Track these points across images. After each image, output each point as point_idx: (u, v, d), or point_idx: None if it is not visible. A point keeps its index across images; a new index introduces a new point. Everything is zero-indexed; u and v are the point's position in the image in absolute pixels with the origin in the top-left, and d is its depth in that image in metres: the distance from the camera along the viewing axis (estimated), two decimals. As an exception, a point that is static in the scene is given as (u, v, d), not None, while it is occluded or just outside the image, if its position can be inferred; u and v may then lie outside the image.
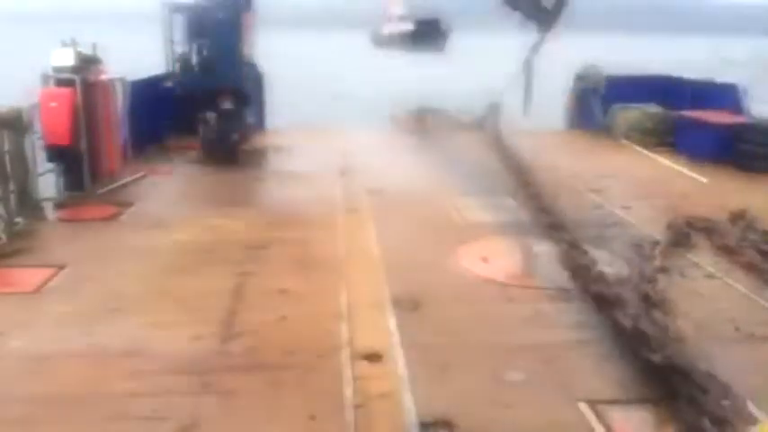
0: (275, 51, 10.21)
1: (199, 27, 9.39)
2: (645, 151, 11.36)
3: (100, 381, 3.95)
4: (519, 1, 10.26)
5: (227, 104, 9.74)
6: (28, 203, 6.95)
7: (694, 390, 3.65)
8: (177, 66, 9.62)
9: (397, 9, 11.76)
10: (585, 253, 5.89)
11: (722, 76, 13.02)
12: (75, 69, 7.79)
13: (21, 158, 6.88)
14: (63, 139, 7.55)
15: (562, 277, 5.63)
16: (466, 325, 4.77)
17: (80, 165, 7.94)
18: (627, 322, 4.45)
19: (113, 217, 7.28)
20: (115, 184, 8.45)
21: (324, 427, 3.53)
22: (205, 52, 9.47)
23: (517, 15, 10.38)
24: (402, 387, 3.87)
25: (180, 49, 9.69)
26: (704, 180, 9.33)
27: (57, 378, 3.98)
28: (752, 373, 4.13)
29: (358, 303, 5.04)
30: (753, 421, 3.49)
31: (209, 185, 8.99)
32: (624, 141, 11.86)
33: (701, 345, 4.46)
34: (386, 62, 15.20)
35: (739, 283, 5.58)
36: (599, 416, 3.64)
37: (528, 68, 10.87)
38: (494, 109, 12.95)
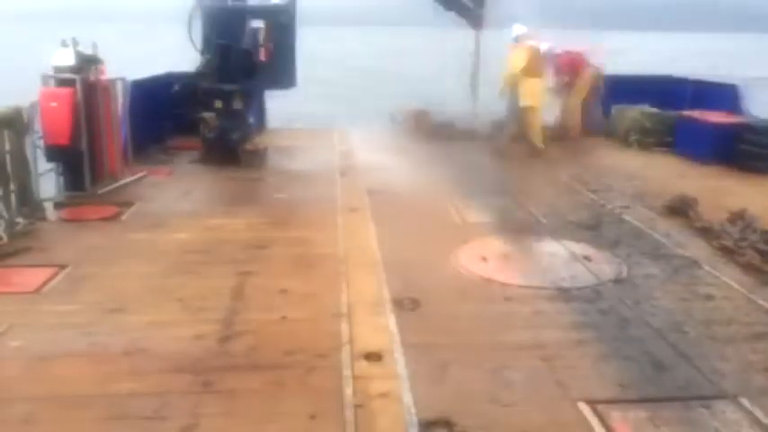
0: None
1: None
2: (644, 151, 11.37)
3: (100, 381, 3.96)
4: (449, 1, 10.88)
5: (237, 104, 9.82)
6: (28, 203, 6.96)
7: None
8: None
9: None
10: None
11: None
12: (75, 69, 7.80)
13: (21, 158, 6.89)
14: (63, 138, 7.55)
15: (562, 277, 5.65)
16: (466, 325, 4.78)
17: (80, 165, 7.94)
18: None
19: (114, 217, 7.29)
20: (116, 184, 8.46)
21: (324, 426, 3.54)
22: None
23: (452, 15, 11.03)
24: (402, 387, 3.88)
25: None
26: (703, 180, 9.34)
27: (57, 378, 3.99)
28: (752, 373, 4.14)
29: (358, 303, 5.05)
30: None
31: (209, 185, 9.01)
32: (632, 143, 11.82)
33: (701, 345, 4.49)
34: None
35: (739, 283, 5.59)
36: (599, 416, 3.64)
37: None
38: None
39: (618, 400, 3.82)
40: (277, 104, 12.95)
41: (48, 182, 7.81)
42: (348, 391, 3.82)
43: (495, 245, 6.50)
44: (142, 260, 5.96)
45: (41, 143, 7.51)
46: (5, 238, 6.30)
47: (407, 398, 3.76)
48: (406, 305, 5.02)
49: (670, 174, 9.89)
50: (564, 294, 5.31)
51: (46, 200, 7.47)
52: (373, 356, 4.22)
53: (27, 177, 7.00)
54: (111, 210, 7.49)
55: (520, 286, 5.46)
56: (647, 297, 5.29)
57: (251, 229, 6.85)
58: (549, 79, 11.94)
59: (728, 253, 6.21)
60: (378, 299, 5.13)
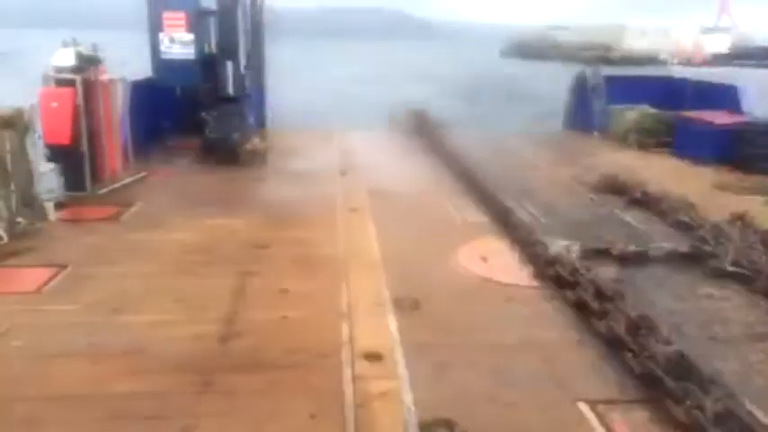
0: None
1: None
2: (643, 151, 11.37)
3: (101, 380, 3.97)
4: None
5: (237, 106, 9.94)
6: (29, 203, 6.96)
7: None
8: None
9: None
10: None
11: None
12: (75, 69, 7.80)
13: (22, 158, 6.89)
14: (64, 138, 7.56)
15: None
16: (466, 325, 4.78)
17: (81, 165, 7.95)
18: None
19: (114, 217, 7.29)
20: (116, 184, 8.46)
21: (324, 426, 3.55)
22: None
23: None
24: (402, 387, 3.89)
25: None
26: (703, 180, 9.34)
27: (58, 378, 4.00)
28: (752, 373, 4.14)
29: (358, 303, 5.05)
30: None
31: (209, 185, 9.00)
32: (631, 144, 11.81)
33: (701, 345, 4.49)
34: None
35: (739, 284, 5.59)
36: (599, 416, 3.65)
37: None
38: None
39: (617, 400, 3.83)
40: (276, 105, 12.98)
41: (48, 182, 7.81)
42: (348, 390, 3.83)
43: (495, 245, 6.50)
44: (142, 260, 5.96)
45: (42, 143, 7.51)
46: (6, 238, 6.31)
47: (407, 398, 3.77)
48: (406, 305, 5.02)
49: (669, 174, 9.89)
50: (564, 294, 5.31)
51: (46, 200, 7.47)
52: (373, 356, 4.22)
53: (28, 177, 7.01)
54: (112, 210, 7.50)
55: (520, 286, 5.47)
56: (646, 297, 5.29)
57: (251, 229, 6.85)
58: None
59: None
60: (378, 299, 5.13)
